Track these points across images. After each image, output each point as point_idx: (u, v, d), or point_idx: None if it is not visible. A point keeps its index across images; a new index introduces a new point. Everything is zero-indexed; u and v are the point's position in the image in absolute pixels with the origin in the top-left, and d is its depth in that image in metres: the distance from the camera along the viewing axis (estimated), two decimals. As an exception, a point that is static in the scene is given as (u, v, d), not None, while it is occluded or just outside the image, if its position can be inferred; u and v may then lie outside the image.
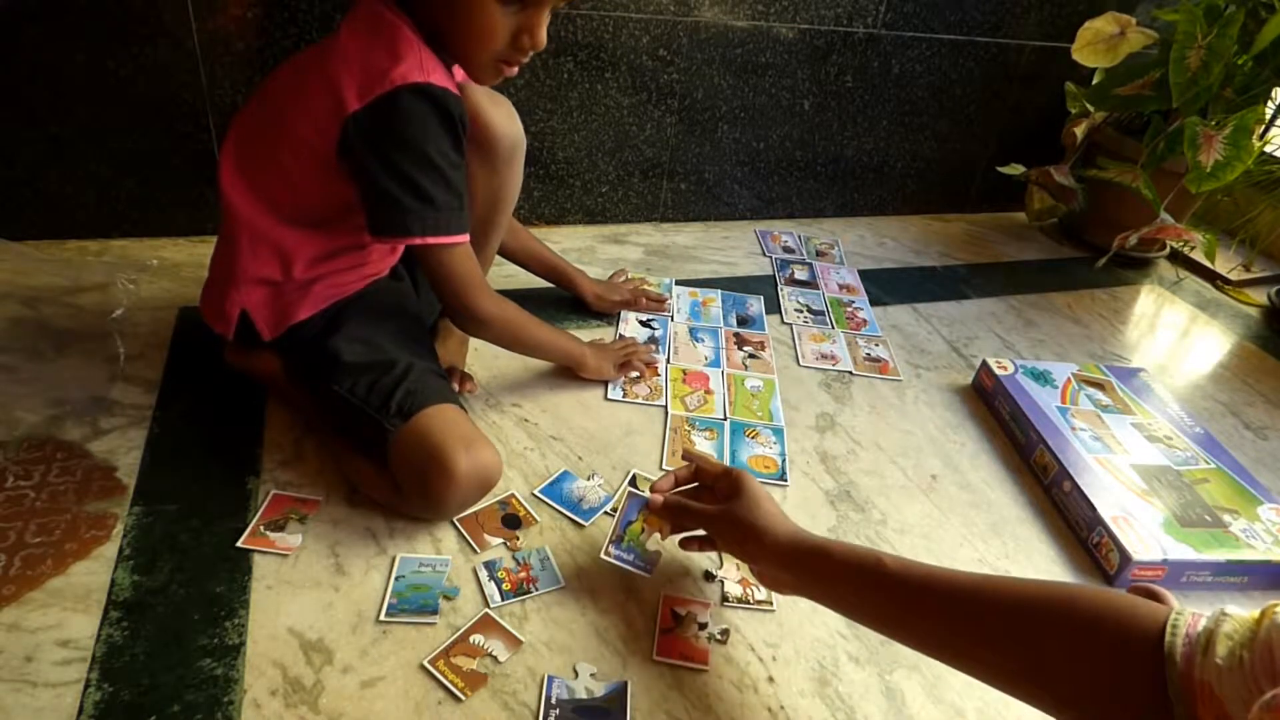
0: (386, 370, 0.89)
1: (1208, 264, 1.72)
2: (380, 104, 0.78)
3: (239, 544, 0.83)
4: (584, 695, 0.74)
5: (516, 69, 0.85)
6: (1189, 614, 0.52)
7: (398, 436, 0.85)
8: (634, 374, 1.17)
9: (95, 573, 0.78)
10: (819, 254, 1.66)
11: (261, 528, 0.85)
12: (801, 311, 1.43)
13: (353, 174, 0.83)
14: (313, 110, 0.81)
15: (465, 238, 0.87)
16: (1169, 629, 0.51)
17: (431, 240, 0.84)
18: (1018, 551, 0.99)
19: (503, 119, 0.94)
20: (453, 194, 0.83)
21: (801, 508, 1.00)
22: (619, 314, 1.32)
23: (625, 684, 0.75)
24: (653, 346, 1.24)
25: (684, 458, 0.98)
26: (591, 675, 0.76)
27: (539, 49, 0.82)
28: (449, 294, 0.90)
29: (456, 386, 1.06)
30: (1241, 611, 0.50)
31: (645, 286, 1.39)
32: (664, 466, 1.02)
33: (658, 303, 1.36)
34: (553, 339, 1.07)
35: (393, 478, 0.87)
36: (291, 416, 1.00)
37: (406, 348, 0.93)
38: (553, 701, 0.73)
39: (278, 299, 0.92)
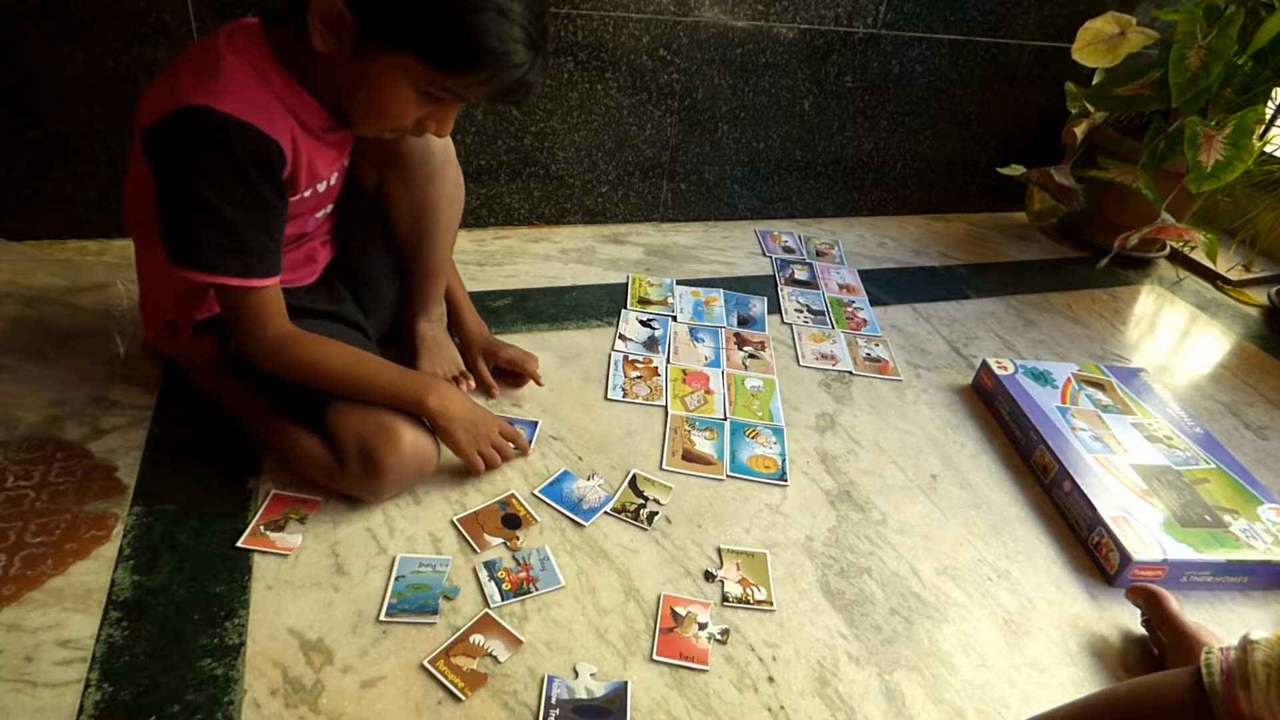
0: None
1: (1208, 264, 1.72)
2: (163, 124, 0.74)
3: (239, 544, 0.83)
4: (584, 695, 0.74)
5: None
6: (1217, 650, 0.53)
7: (342, 403, 0.86)
8: (480, 465, 0.93)
9: (95, 573, 0.78)
10: (819, 254, 1.65)
11: (261, 528, 0.85)
12: (801, 311, 1.43)
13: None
14: (138, 123, 0.80)
15: (242, 281, 0.79)
16: (1204, 670, 0.53)
17: (203, 277, 0.78)
18: (1018, 551, 0.99)
19: (414, 142, 0.93)
20: (224, 233, 0.77)
21: (802, 508, 1.00)
22: (619, 313, 1.32)
23: (625, 684, 0.75)
24: (516, 441, 0.98)
25: None
26: (591, 675, 0.76)
27: (442, 138, 0.84)
28: (229, 328, 0.86)
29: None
30: (1264, 632, 0.52)
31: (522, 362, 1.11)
32: (664, 466, 1.02)
33: (516, 375, 1.12)
34: (372, 375, 0.87)
35: (330, 457, 0.88)
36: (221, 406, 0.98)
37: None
38: (553, 701, 0.73)
39: (180, 302, 0.92)
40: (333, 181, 0.92)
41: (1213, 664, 0.54)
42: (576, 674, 0.76)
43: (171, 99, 0.74)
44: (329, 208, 0.97)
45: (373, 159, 0.97)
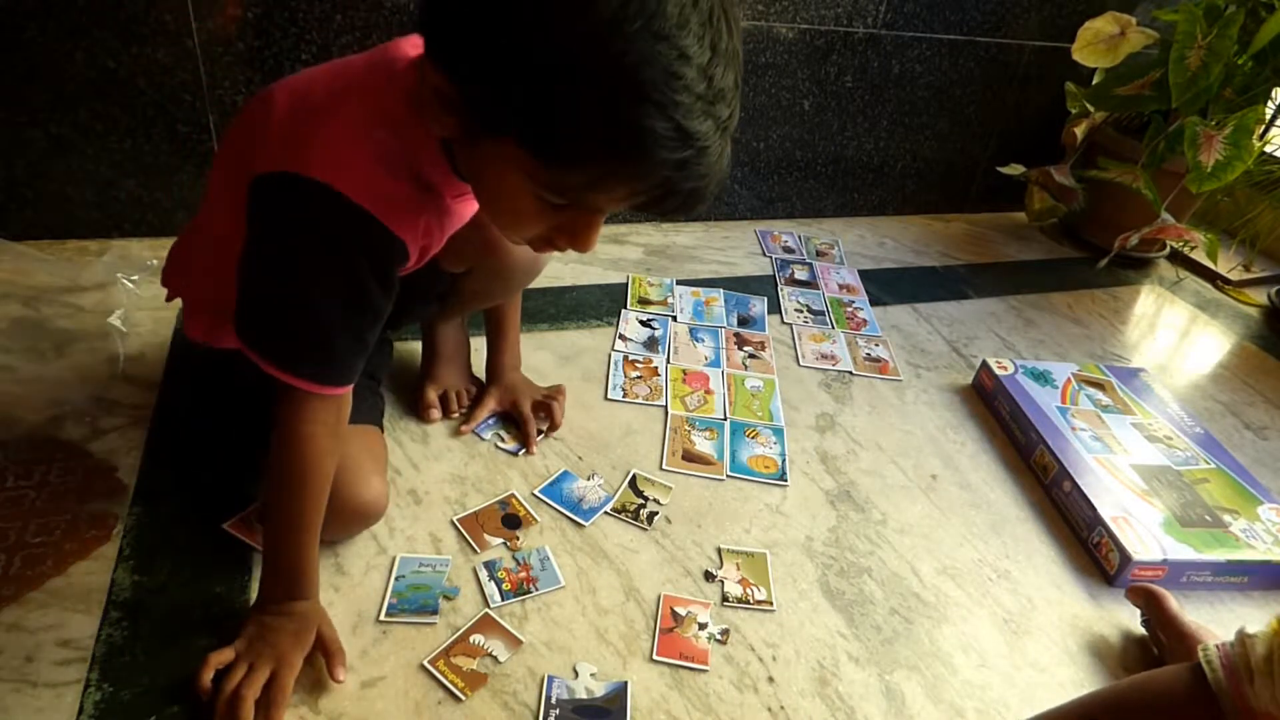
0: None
1: (1208, 264, 1.72)
2: (275, 185, 0.61)
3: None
4: (584, 695, 0.74)
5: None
6: (1214, 646, 0.54)
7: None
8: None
9: (95, 573, 0.78)
10: (819, 254, 1.65)
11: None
12: (801, 311, 1.43)
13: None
14: (247, 142, 0.67)
15: (318, 389, 0.66)
16: (1205, 666, 0.53)
17: (274, 372, 0.65)
18: (1018, 551, 0.99)
19: (523, 257, 0.90)
20: (313, 334, 0.64)
21: (802, 508, 1.00)
22: (619, 313, 1.32)
23: (625, 684, 0.75)
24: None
25: None
26: (591, 675, 0.76)
27: (581, 252, 0.63)
28: (276, 418, 0.68)
29: (454, 403, 1.04)
30: (1258, 625, 0.52)
31: (554, 402, 1.05)
32: (664, 466, 1.02)
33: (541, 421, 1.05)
34: (288, 543, 0.70)
35: None
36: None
37: None
38: (553, 701, 0.73)
39: (214, 324, 0.84)
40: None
41: (1213, 660, 0.54)
42: (576, 674, 0.76)
43: (294, 153, 0.59)
44: None
45: (467, 256, 0.86)
